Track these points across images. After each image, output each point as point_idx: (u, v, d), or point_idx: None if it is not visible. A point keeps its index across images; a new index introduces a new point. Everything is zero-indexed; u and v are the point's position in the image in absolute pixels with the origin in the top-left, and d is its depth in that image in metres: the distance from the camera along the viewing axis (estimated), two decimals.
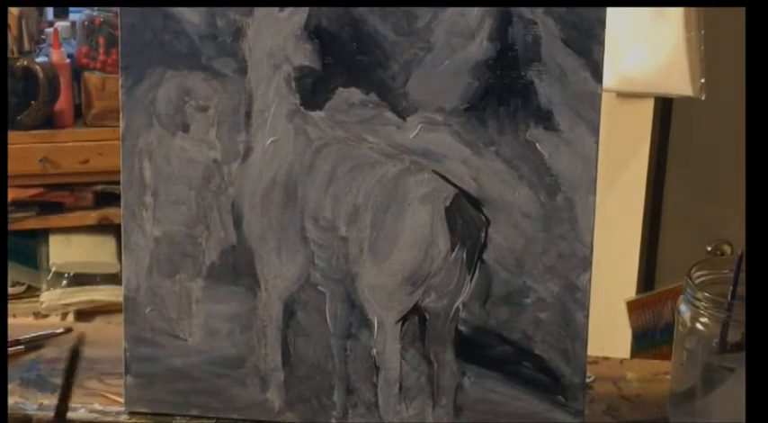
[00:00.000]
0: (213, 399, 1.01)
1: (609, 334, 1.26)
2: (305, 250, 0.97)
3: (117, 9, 1.12)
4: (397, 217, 0.96)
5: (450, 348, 0.98)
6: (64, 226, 2.71)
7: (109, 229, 2.70)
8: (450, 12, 0.94)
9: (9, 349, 1.10)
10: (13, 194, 2.57)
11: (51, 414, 0.92)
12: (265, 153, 0.96)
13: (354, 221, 0.97)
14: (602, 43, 0.93)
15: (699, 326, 0.97)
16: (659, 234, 1.86)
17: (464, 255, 0.96)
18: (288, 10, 0.94)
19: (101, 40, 2.67)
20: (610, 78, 1.55)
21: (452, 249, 0.96)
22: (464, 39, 0.94)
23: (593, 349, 1.00)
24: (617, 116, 1.71)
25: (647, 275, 1.86)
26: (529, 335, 0.97)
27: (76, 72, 2.69)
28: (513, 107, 0.94)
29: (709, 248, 1.82)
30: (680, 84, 1.66)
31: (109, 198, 2.66)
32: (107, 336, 1.15)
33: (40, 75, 2.53)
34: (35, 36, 2.71)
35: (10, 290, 2.67)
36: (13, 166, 2.40)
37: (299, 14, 0.94)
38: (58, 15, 2.87)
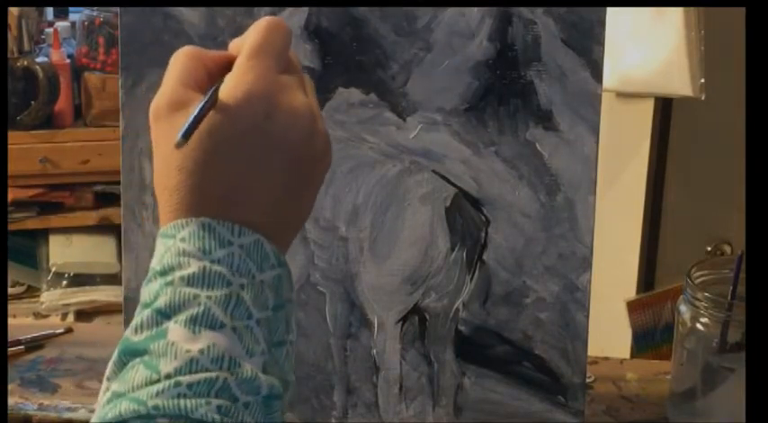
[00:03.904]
0: None
1: (609, 334, 1.26)
2: (305, 250, 0.97)
3: (117, 9, 1.12)
4: (397, 217, 0.96)
5: (450, 348, 0.98)
6: (64, 226, 2.72)
7: (109, 229, 2.70)
8: (451, 12, 0.94)
9: (9, 349, 1.10)
10: (13, 194, 2.57)
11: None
12: None
13: (354, 221, 0.97)
14: (602, 43, 0.93)
15: (699, 326, 0.97)
16: (659, 234, 1.85)
17: (464, 255, 0.96)
18: (288, 10, 0.94)
19: (101, 40, 2.67)
20: (610, 78, 1.55)
21: (452, 249, 0.96)
22: (464, 39, 0.94)
23: (593, 349, 1.00)
24: (617, 116, 1.71)
25: (647, 275, 1.86)
26: (529, 335, 0.97)
27: (76, 72, 2.69)
28: (513, 107, 0.94)
29: (709, 248, 1.82)
30: (680, 84, 1.66)
31: (109, 198, 2.66)
32: (107, 336, 1.15)
33: (40, 75, 2.53)
34: (35, 36, 2.71)
35: (10, 290, 2.67)
36: (13, 166, 2.40)
37: (299, 14, 0.94)
38: (58, 15, 2.88)
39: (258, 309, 0.57)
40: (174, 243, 0.57)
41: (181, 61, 0.61)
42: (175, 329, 0.55)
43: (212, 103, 0.58)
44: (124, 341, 0.56)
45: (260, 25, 0.61)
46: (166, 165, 0.59)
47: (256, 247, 0.58)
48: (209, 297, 0.55)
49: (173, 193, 0.58)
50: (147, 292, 0.57)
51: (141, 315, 0.56)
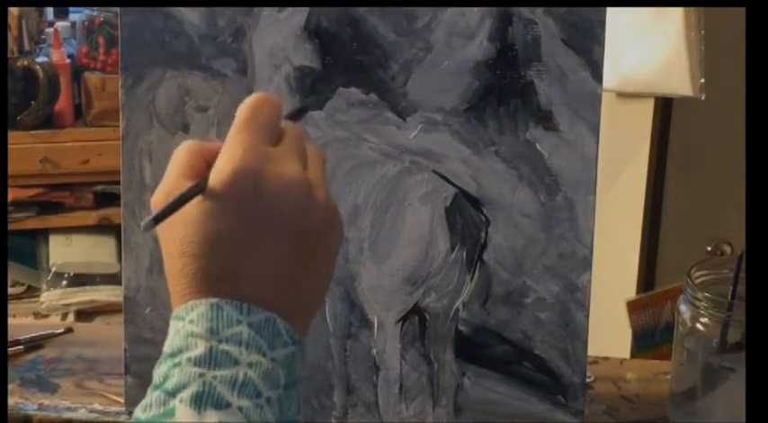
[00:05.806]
0: None
1: (609, 334, 1.26)
2: None
3: (117, 9, 1.12)
4: (397, 217, 0.96)
5: (450, 348, 0.98)
6: (64, 226, 2.72)
7: (109, 229, 2.71)
8: (450, 12, 0.94)
9: (9, 349, 1.10)
10: (13, 194, 2.57)
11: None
12: None
13: (354, 221, 0.97)
14: (602, 43, 0.93)
15: (699, 326, 0.97)
16: (659, 234, 1.85)
17: (464, 255, 0.96)
18: (288, 10, 0.94)
19: (101, 40, 2.67)
20: (610, 78, 1.55)
21: (452, 249, 0.96)
22: (464, 39, 0.94)
23: (593, 349, 1.00)
24: (617, 116, 1.71)
25: (647, 275, 1.86)
26: (529, 335, 0.97)
27: (76, 72, 2.70)
28: (512, 107, 0.94)
29: (709, 248, 1.82)
30: (680, 84, 1.66)
31: (109, 198, 2.67)
32: (107, 336, 1.15)
33: (40, 75, 2.54)
34: (35, 36, 2.72)
35: (10, 290, 2.67)
36: (13, 166, 2.40)
37: (299, 14, 0.94)
38: (58, 15, 2.88)
39: (268, 387, 0.57)
40: (183, 325, 0.58)
41: (181, 155, 0.62)
42: (181, 409, 0.55)
43: (200, 188, 0.59)
44: (134, 420, 0.56)
45: (246, 102, 0.62)
46: (171, 252, 0.60)
47: (267, 324, 0.58)
48: (214, 377, 0.56)
49: (180, 278, 0.59)
50: (156, 375, 0.57)
51: (150, 396, 0.56)
